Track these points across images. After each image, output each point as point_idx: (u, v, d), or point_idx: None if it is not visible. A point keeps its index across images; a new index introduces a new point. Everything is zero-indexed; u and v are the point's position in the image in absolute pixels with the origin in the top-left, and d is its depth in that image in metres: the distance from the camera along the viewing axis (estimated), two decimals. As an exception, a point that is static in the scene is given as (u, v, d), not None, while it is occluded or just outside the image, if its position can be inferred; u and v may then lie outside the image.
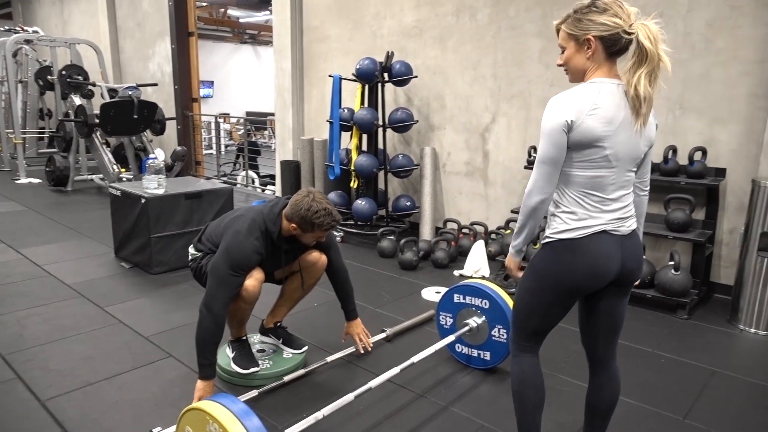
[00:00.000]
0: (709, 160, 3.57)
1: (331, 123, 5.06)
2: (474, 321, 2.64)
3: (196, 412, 1.65)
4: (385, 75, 4.86)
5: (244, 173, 8.14)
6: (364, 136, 5.05)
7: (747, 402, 2.48)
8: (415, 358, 2.39)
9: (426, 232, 4.90)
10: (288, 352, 2.70)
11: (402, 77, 4.79)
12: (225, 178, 8.45)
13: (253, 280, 2.35)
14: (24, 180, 7.65)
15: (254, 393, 2.26)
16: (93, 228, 5.22)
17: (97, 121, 6.51)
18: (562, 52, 1.62)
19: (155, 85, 8.36)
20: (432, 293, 3.70)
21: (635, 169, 1.64)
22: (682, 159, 3.60)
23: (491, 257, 4.23)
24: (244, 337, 2.59)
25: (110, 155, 6.84)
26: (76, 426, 2.20)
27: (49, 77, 8.33)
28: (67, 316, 3.25)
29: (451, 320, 2.76)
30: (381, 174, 5.04)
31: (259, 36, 16.13)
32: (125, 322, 3.19)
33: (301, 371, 2.56)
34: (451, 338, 2.62)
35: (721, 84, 3.50)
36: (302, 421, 1.89)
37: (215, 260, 2.30)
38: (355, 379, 2.57)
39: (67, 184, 7.13)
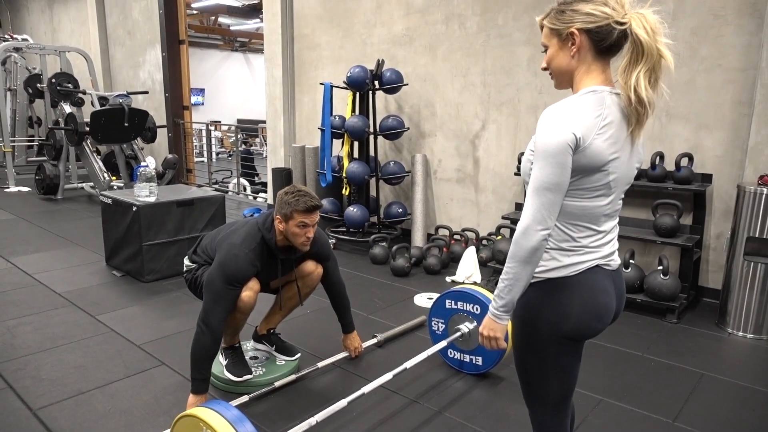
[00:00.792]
0: (696, 166, 3.63)
1: (322, 130, 5.08)
2: (466, 326, 2.66)
3: (190, 418, 1.65)
4: (376, 83, 4.90)
5: (235, 181, 8.13)
6: (356, 144, 5.08)
7: (735, 404, 2.51)
8: (408, 364, 2.40)
9: (418, 239, 4.93)
10: (281, 359, 2.71)
11: (392, 85, 4.83)
12: (217, 186, 8.44)
13: (249, 291, 2.35)
14: (13, 188, 7.59)
15: (245, 398, 2.27)
16: (84, 236, 5.20)
17: (87, 129, 6.49)
18: (545, 52, 1.36)
19: (146, 93, 8.35)
20: (424, 299, 3.72)
21: (623, 195, 1.40)
22: (669, 165, 3.65)
23: (482, 263, 4.26)
24: (237, 345, 2.60)
25: (101, 163, 6.82)
26: (68, 435, 2.19)
27: (38, 85, 8.30)
28: (59, 324, 3.24)
29: (443, 326, 2.78)
30: (372, 181, 5.06)
31: (250, 43, 16.16)
32: (117, 330, 3.18)
33: (293, 377, 2.57)
34: (443, 344, 2.63)
35: (706, 91, 3.57)
36: (296, 427, 1.89)
37: (210, 274, 2.29)
38: (348, 385, 2.58)
39: (57, 192, 7.10)
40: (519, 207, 4.46)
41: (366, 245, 4.82)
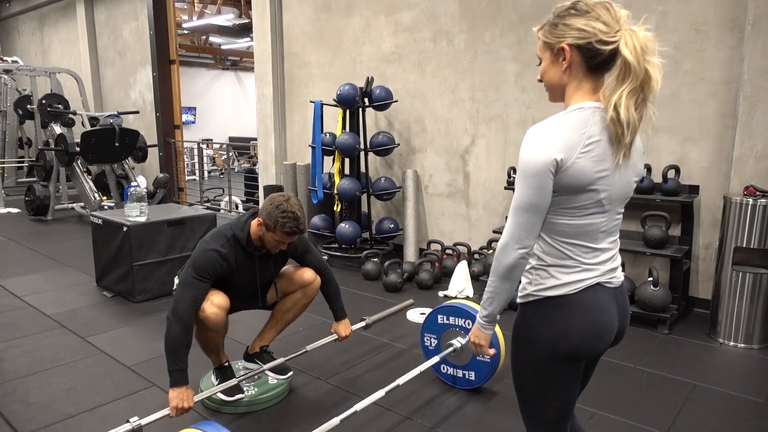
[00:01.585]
0: (683, 177, 3.68)
1: (313, 148, 5.10)
2: (458, 341, 2.65)
3: (181, 440, 1.64)
4: (366, 100, 4.94)
5: (227, 199, 8.13)
6: (347, 160, 5.10)
7: (728, 414, 2.52)
8: (401, 380, 2.39)
9: (410, 254, 4.93)
10: (273, 378, 2.69)
11: (382, 102, 4.87)
12: (208, 204, 8.42)
13: (216, 308, 2.33)
14: (3, 210, 7.54)
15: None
16: (74, 257, 5.16)
17: (78, 149, 6.48)
18: (539, 65, 1.35)
19: (137, 112, 8.36)
20: (417, 315, 3.72)
21: (622, 210, 1.37)
22: (657, 177, 3.70)
23: (475, 277, 4.27)
24: (227, 364, 2.58)
25: (91, 183, 6.80)
26: (57, 460, 2.16)
27: (28, 106, 8.30)
28: (48, 347, 3.20)
29: (436, 341, 2.77)
30: (364, 197, 5.08)
31: (240, 62, 16.25)
32: (107, 351, 3.15)
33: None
34: (435, 359, 2.63)
35: (691, 104, 3.63)
36: (288, 446, 1.88)
37: (183, 271, 2.33)
38: (341, 402, 2.56)
39: (47, 213, 7.06)
40: (510, 221, 4.48)
41: (358, 261, 4.82)
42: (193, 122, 15.71)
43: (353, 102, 4.85)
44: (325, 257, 5.01)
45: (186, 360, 2.21)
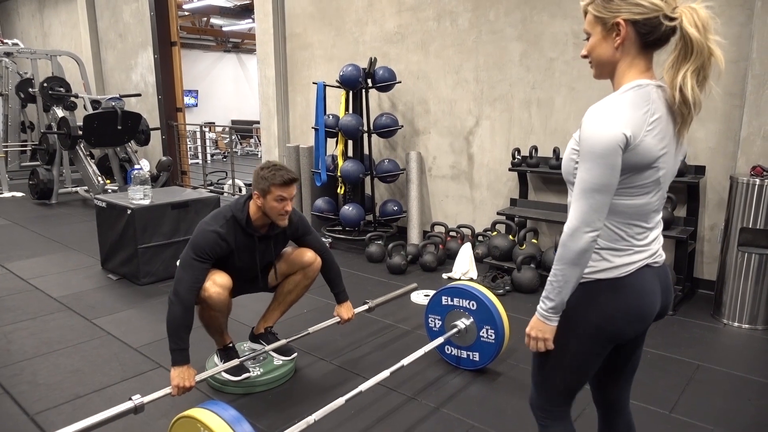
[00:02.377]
0: (689, 158, 3.64)
1: (316, 130, 5.07)
2: (462, 323, 2.66)
3: (187, 419, 1.65)
4: (369, 81, 4.89)
5: (230, 182, 8.12)
6: (350, 142, 5.07)
7: (731, 394, 2.52)
8: (405, 361, 2.40)
9: (414, 236, 4.93)
10: (278, 359, 2.70)
11: (385, 83, 4.82)
12: (212, 187, 8.42)
13: (218, 287, 2.34)
14: (7, 194, 7.56)
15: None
16: (79, 240, 5.18)
17: (80, 132, 6.47)
18: (587, 40, 1.30)
19: (139, 95, 8.32)
20: (421, 296, 3.72)
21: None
22: (663, 157, 3.66)
23: (479, 259, 4.27)
24: (231, 344, 2.59)
25: (94, 167, 6.80)
26: (66, 439, 2.19)
27: (30, 90, 8.27)
28: (55, 329, 3.23)
29: (440, 322, 2.78)
30: (367, 179, 5.06)
31: (242, 44, 16.11)
32: (113, 333, 3.17)
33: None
34: (440, 340, 2.64)
35: (698, 83, 3.57)
36: (293, 426, 1.90)
37: (183, 252, 2.34)
38: (346, 383, 2.58)
39: (51, 197, 7.07)
40: (514, 203, 4.47)
41: (362, 244, 4.82)
42: (195, 105, 15.64)
43: (356, 83, 4.81)
44: (329, 240, 5.02)
45: (187, 340, 2.22)
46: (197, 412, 1.63)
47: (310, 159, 5.54)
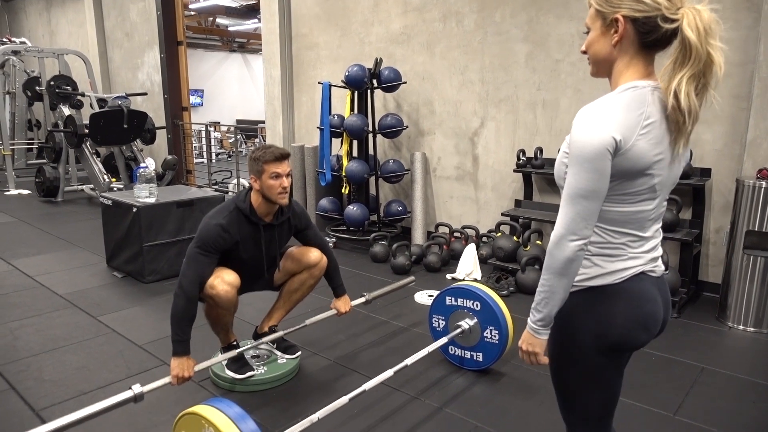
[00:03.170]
0: (695, 160, 3.64)
1: (321, 130, 5.09)
2: (466, 323, 2.67)
3: (192, 416, 1.66)
4: (374, 81, 4.90)
5: (235, 181, 8.14)
6: (355, 142, 5.08)
7: (735, 397, 2.52)
8: (409, 361, 2.41)
9: (418, 237, 4.93)
10: (282, 358, 2.71)
11: (391, 83, 4.83)
12: (217, 186, 8.44)
13: (227, 285, 2.35)
14: (13, 191, 7.61)
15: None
16: (84, 238, 5.21)
17: (86, 131, 6.50)
18: (587, 33, 1.25)
19: (145, 94, 8.35)
20: (425, 297, 3.73)
21: (668, 196, 1.29)
22: (668, 160, 3.65)
23: (482, 260, 4.27)
24: (235, 342, 2.60)
25: (100, 165, 6.83)
26: (71, 435, 2.20)
27: (37, 88, 8.30)
28: (60, 326, 3.25)
29: (444, 322, 2.78)
30: (372, 179, 5.07)
31: (248, 44, 16.15)
32: (118, 331, 3.19)
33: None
34: (443, 340, 2.64)
35: (704, 86, 3.57)
36: (297, 424, 1.90)
37: (188, 247, 2.37)
38: (349, 382, 2.59)
39: (58, 194, 7.11)
40: (519, 204, 4.47)
41: (366, 244, 4.82)
42: (201, 104, 15.68)
43: (362, 83, 4.82)
44: (333, 239, 5.03)
45: (189, 332, 2.25)
46: (202, 409, 1.64)
47: (315, 159, 5.55)
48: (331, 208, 5.20)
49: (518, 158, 4.33)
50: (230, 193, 7.91)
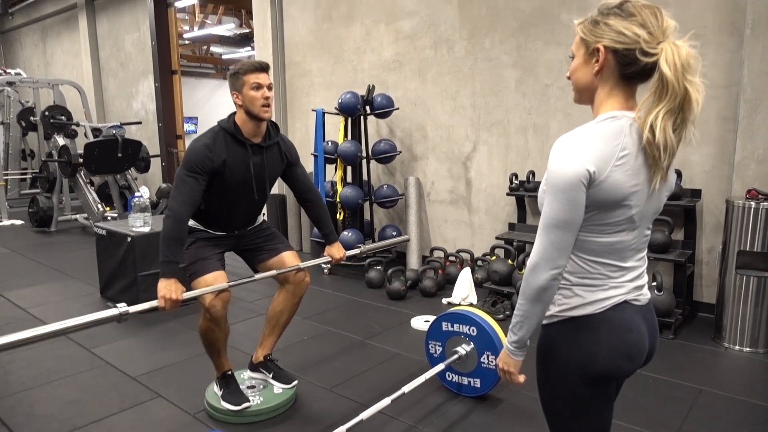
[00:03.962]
0: (685, 181, 3.68)
1: (315, 156, 5.12)
2: (463, 348, 2.66)
3: (188, 452, 1.64)
4: (367, 108, 4.96)
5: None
6: (349, 168, 5.12)
7: (735, 419, 2.51)
8: (406, 388, 2.39)
9: (413, 261, 4.94)
10: (278, 387, 2.69)
11: (384, 109, 4.89)
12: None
13: (218, 300, 2.33)
14: (6, 222, 7.57)
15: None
16: (78, 268, 5.17)
17: (81, 160, 6.51)
18: (572, 58, 1.25)
19: (139, 123, 8.40)
20: (421, 322, 3.71)
21: (651, 226, 1.29)
22: (659, 181, 3.69)
23: (478, 284, 4.27)
24: (230, 372, 2.58)
25: (94, 194, 6.82)
26: (64, 472, 2.16)
27: (31, 118, 8.34)
28: (53, 359, 3.21)
29: (441, 348, 2.77)
30: (366, 205, 5.09)
31: (241, 71, 16.30)
32: (112, 363, 3.15)
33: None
34: (441, 367, 2.63)
35: (691, 108, 3.63)
36: (294, 457, 1.88)
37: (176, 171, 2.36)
38: (346, 411, 2.56)
39: (51, 224, 7.08)
40: (512, 227, 4.49)
41: (361, 269, 4.82)
42: (195, 132, 15.72)
43: (355, 110, 4.87)
44: (328, 266, 5.02)
45: (177, 254, 2.23)
46: (197, 444, 1.62)
47: (310, 185, 5.56)
48: (326, 233, 5.19)
49: (511, 182, 4.37)
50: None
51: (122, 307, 1.92)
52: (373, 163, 5.06)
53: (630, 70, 1.15)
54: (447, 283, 4.49)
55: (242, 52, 14.28)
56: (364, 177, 5.10)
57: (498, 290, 4.06)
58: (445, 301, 4.19)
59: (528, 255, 4.18)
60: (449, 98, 4.84)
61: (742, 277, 3.21)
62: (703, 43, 3.54)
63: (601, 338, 1.22)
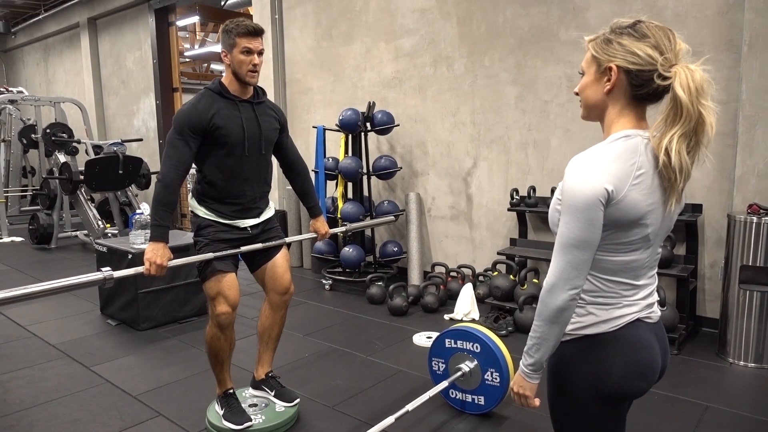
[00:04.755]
0: (686, 196, 3.68)
1: (316, 173, 5.14)
2: (466, 365, 2.64)
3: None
4: (368, 124, 4.98)
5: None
6: (350, 185, 5.13)
7: (741, 436, 2.48)
8: (410, 407, 2.37)
9: (414, 277, 4.92)
10: (280, 405, 2.66)
11: (384, 126, 4.91)
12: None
13: (226, 306, 2.33)
14: (6, 239, 7.56)
15: None
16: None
17: (81, 177, 6.53)
18: (582, 75, 1.25)
19: (140, 140, 8.43)
20: (423, 338, 3.69)
21: (663, 244, 1.27)
22: (660, 196, 3.70)
23: (480, 299, 4.25)
24: (232, 391, 2.56)
25: (95, 211, 6.82)
26: (63, 493, 2.13)
27: (33, 135, 8.36)
28: (53, 377, 3.18)
29: (444, 365, 2.75)
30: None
31: (242, 89, 16.43)
32: (112, 381, 3.12)
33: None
34: (444, 384, 2.61)
35: (691, 124, 3.65)
36: (298, 476, 1.85)
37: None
38: (349, 429, 2.54)
39: (51, 241, 7.07)
40: (514, 242, 4.49)
41: (363, 285, 4.80)
42: (195, 148, 15.81)
43: (355, 127, 4.90)
44: (330, 282, 5.01)
45: (167, 219, 2.24)
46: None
47: (310, 201, 5.57)
48: (327, 250, 5.19)
49: (512, 197, 4.38)
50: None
51: (107, 271, 1.93)
52: (373, 179, 5.08)
53: (642, 91, 1.16)
54: (449, 299, 4.48)
55: (243, 70, 14.39)
56: (365, 193, 5.11)
57: (500, 306, 4.05)
58: (447, 317, 4.17)
59: (530, 270, 4.18)
60: (449, 115, 4.87)
61: (745, 292, 3.21)
62: (701, 60, 3.57)
63: (615, 357, 1.21)
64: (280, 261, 2.60)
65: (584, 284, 1.18)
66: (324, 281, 5.02)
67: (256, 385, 2.76)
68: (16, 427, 2.63)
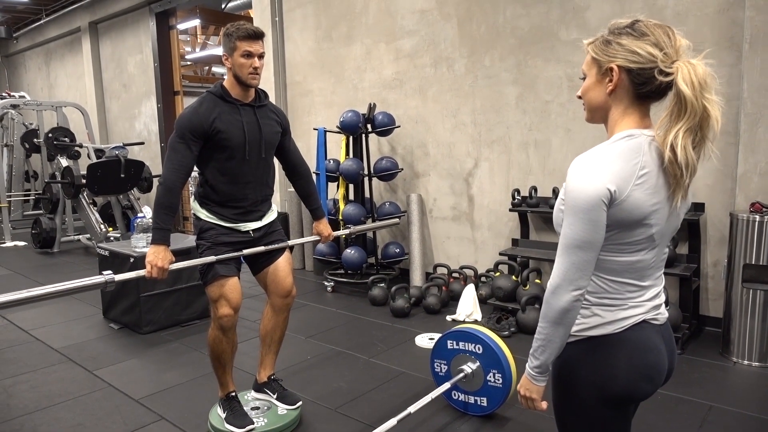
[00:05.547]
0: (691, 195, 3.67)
1: (317, 175, 5.14)
2: (469, 367, 2.63)
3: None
4: (369, 126, 4.98)
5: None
6: (351, 186, 5.13)
7: (746, 436, 2.47)
8: (412, 408, 2.36)
9: (416, 278, 4.92)
10: (282, 408, 2.66)
11: (385, 127, 4.91)
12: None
13: (228, 308, 2.33)
14: (9, 243, 7.58)
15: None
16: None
17: (83, 181, 6.54)
18: (583, 79, 1.25)
19: (142, 143, 8.45)
20: (425, 340, 3.69)
21: (669, 244, 1.28)
22: (662, 195, 3.69)
23: (482, 300, 4.24)
24: (234, 394, 2.56)
25: (97, 215, 6.83)
26: (66, 498, 2.13)
27: (35, 140, 8.39)
28: (56, 381, 3.18)
29: (446, 367, 2.75)
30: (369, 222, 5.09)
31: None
32: (115, 385, 3.13)
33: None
34: (447, 386, 2.60)
35: (692, 122, 3.64)
36: (300, 480, 1.85)
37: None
38: (352, 432, 2.53)
39: (54, 245, 7.09)
40: (516, 243, 4.48)
41: (365, 287, 4.80)
42: (197, 151, 15.83)
43: (356, 128, 4.90)
44: (332, 283, 5.00)
45: (168, 222, 2.26)
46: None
47: (312, 203, 5.58)
48: (329, 251, 5.19)
49: (513, 197, 4.37)
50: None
51: (108, 274, 1.93)
52: (375, 180, 5.08)
53: (645, 89, 1.15)
54: (451, 300, 4.47)
55: (244, 72, 14.41)
56: (366, 194, 5.11)
57: (503, 306, 4.04)
58: (449, 318, 4.17)
59: (532, 270, 4.17)
60: (450, 115, 4.87)
61: (748, 290, 3.19)
62: (702, 57, 3.56)
63: (621, 359, 1.20)
64: (283, 264, 2.60)
65: (588, 285, 1.18)
66: (326, 283, 5.02)
67: (259, 387, 2.76)
68: (19, 431, 2.63)
